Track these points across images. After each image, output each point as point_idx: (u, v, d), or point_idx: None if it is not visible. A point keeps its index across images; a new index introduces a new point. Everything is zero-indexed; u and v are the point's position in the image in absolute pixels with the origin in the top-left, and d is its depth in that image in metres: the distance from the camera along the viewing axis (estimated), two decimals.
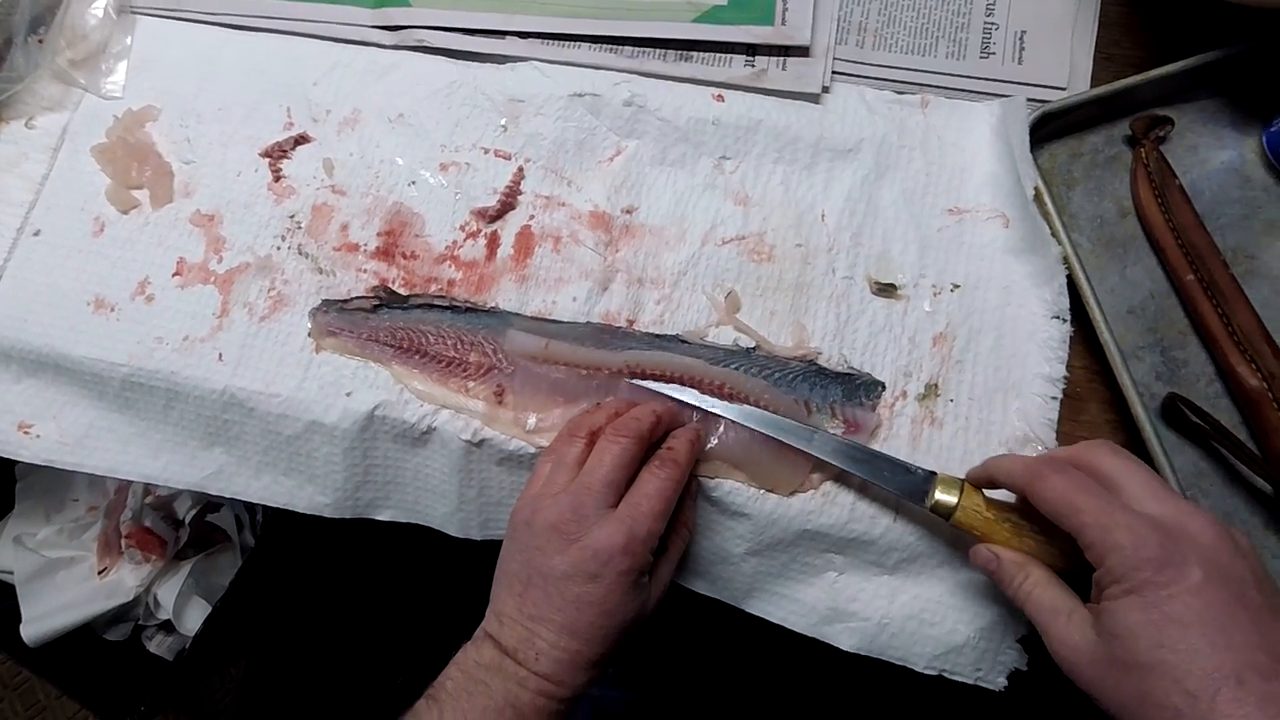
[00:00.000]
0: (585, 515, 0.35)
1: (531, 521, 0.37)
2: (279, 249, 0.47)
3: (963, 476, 0.38)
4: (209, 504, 0.87)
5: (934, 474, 0.38)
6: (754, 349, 0.44)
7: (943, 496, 0.37)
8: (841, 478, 0.42)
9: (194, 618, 0.85)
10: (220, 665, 1.00)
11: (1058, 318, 0.43)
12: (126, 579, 0.84)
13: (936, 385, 0.43)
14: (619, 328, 0.44)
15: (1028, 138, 0.42)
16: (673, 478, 0.37)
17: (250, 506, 0.90)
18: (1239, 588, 0.28)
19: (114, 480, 0.86)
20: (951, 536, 0.41)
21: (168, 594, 0.85)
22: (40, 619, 0.81)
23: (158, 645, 0.89)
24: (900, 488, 0.38)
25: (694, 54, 0.48)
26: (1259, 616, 0.28)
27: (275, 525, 0.91)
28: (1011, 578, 0.34)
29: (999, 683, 0.41)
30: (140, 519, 0.83)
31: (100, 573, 0.85)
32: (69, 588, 0.84)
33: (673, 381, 0.43)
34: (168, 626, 0.87)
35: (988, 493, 0.37)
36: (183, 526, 0.86)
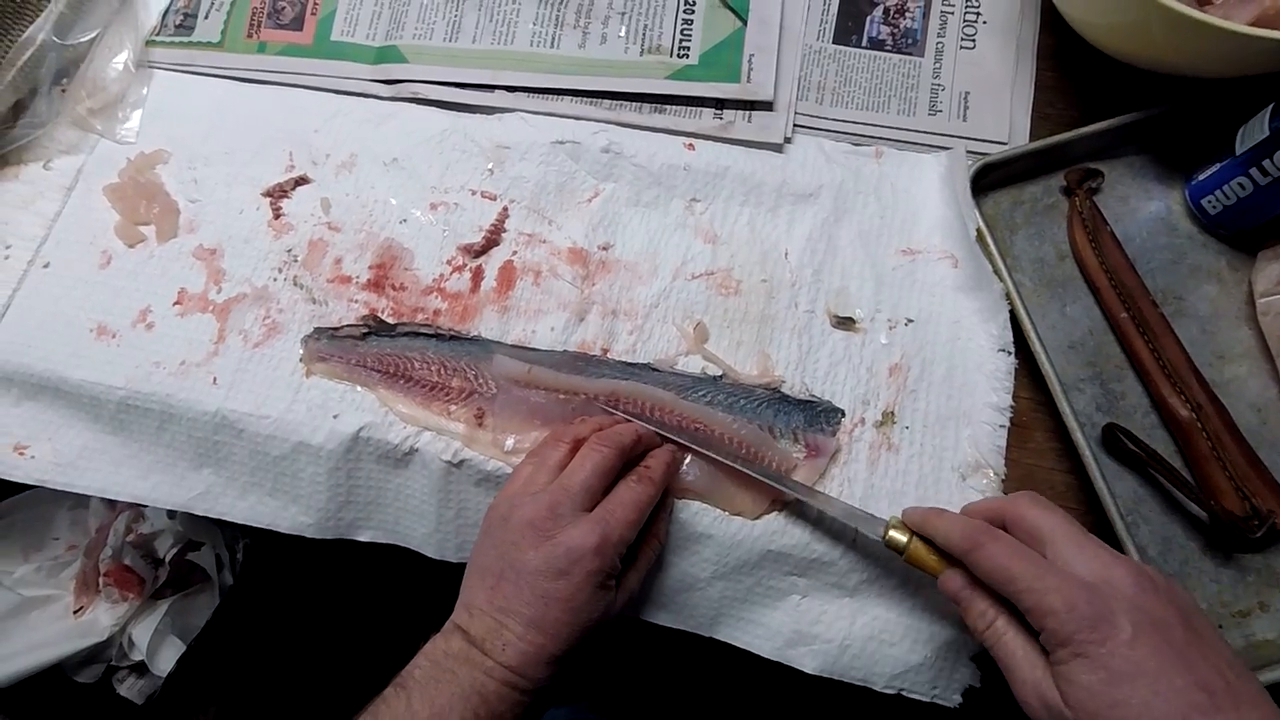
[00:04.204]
0: (561, 515, 0.37)
1: (509, 517, 0.38)
2: (275, 280, 0.50)
3: (900, 515, 0.39)
4: (190, 542, 0.87)
5: (885, 521, 0.39)
6: (720, 377, 0.47)
7: (896, 536, 0.38)
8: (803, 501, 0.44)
9: (168, 658, 0.84)
10: (190, 710, 0.98)
11: (1003, 350, 0.46)
12: (102, 618, 0.83)
13: (893, 413, 0.46)
14: (594, 356, 0.47)
15: (968, 183, 0.46)
16: (648, 493, 0.39)
17: (231, 545, 0.90)
18: (1166, 629, 0.30)
19: (96, 518, 0.86)
20: None
21: (143, 633, 0.84)
22: (10, 658, 0.80)
23: (128, 688, 0.87)
24: (858, 521, 0.40)
25: (667, 107, 0.52)
26: (1187, 653, 0.30)
27: (255, 564, 0.91)
28: (983, 614, 0.34)
29: (954, 700, 0.42)
30: (120, 557, 0.83)
31: (76, 612, 0.84)
32: (42, 627, 0.83)
33: (644, 411, 0.45)
34: (140, 668, 0.86)
35: None
36: (162, 565, 0.85)
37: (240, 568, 0.90)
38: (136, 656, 0.84)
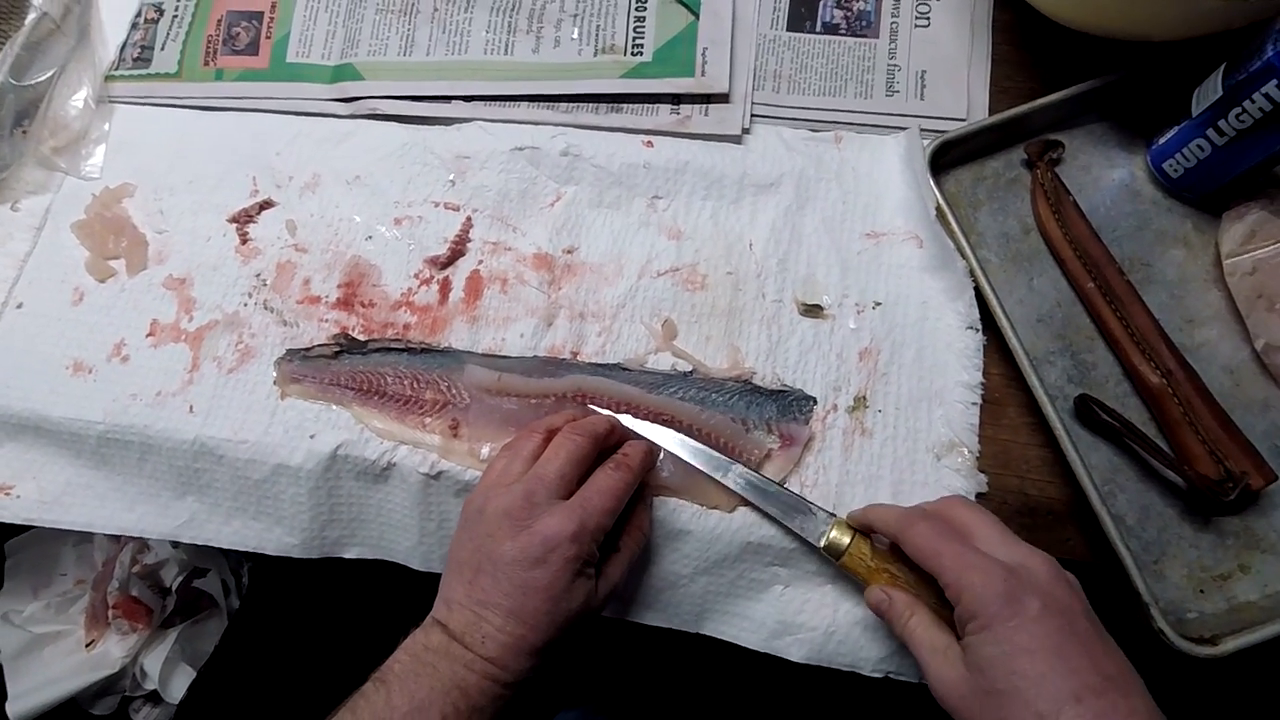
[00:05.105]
0: (537, 504, 0.37)
1: (484, 509, 0.38)
2: (246, 305, 0.50)
3: (845, 516, 0.42)
4: (195, 570, 0.88)
5: (833, 515, 0.41)
6: (691, 372, 0.47)
7: (835, 539, 0.40)
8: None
9: (181, 686, 0.85)
10: None
11: (971, 328, 0.45)
12: (113, 650, 0.84)
13: (865, 397, 0.46)
14: (564, 359, 0.47)
15: (926, 163, 0.46)
16: (624, 479, 0.39)
17: (236, 570, 0.91)
18: (1070, 617, 0.32)
19: (101, 552, 0.87)
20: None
21: (154, 663, 0.85)
22: (26, 695, 0.81)
23: (144, 718, 0.88)
24: (800, 526, 0.42)
25: (624, 105, 0.52)
26: (1088, 641, 0.32)
27: (261, 587, 0.91)
28: (900, 615, 0.37)
29: None
30: (127, 588, 0.84)
31: (88, 645, 0.85)
32: (56, 662, 0.84)
33: (611, 407, 0.45)
34: (154, 698, 0.87)
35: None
36: (170, 594, 0.86)
37: (246, 591, 0.91)
38: (149, 686, 0.85)
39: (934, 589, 0.37)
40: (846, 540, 0.40)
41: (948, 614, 0.36)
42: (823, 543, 0.41)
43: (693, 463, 0.43)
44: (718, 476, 0.43)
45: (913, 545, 0.36)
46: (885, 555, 0.40)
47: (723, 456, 0.44)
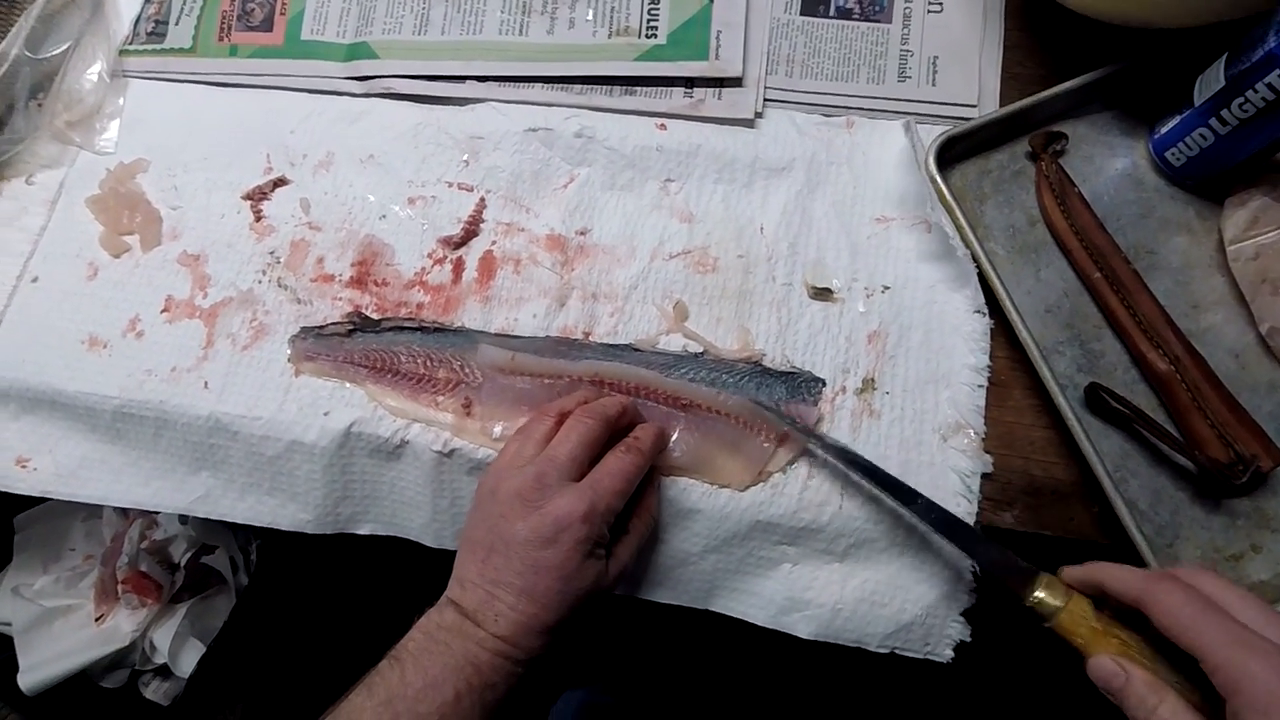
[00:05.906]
0: (548, 485, 0.38)
1: (496, 490, 0.39)
2: (260, 283, 0.50)
3: (1061, 573, 0.35)
4: (204, 546, 0.89)
5: (1037, 571, 0.35)
6: (702, 354, 0.47)
7: (1046, 597, 0.34)
8: (788, 469, 0.45)
9: (190, 660, 0.86)
10: (217, 709, 1.00)
11: (979, 312, 0.46)
12: (123, 624, 0.85)
13: (873, 379, 0.46)
14: (576, 340, 0.48)
15: (925, 158, 0.47)
16: (635, 462, 0.40)
17: (244, 547, 0.92)
18: None
19: (110, 528, 0.87)
20: (893, 521, 0.44)
21: (164, 638, 0.86)
22: (37, 667, 0.82)
23: (154, 691, 0.89)
24: (1002, 575, 0.37)
25: (637, 88, 0.52)
26: None
27: (269, 564, 0.92)
28: (1142, 700, 0.30)
29: (946, 655, 0.43)
30: (136, 564, 0.85)
31: (97, 619, 0.86)
32: (66, 635, 0.85)
33: (629, 392, 0.46)
34: (164, 671, 0.88)
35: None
36: (178, 570, 0.87)
37: (254, 568, 0.92)
38: (159, 660, 0.86)
39: (1170, 663, 0.31)
40: (1059, 602, 0.34)
41: (1195, 699, 0.30)
42: (1028, 600, 0.34)
43: (876, 490, 0.42)
44: (904, 513, 0.42)
45: (1165, 613, 0.30)
46: (1109, 618, 0.33)
47: (914, 490, 0.41)
